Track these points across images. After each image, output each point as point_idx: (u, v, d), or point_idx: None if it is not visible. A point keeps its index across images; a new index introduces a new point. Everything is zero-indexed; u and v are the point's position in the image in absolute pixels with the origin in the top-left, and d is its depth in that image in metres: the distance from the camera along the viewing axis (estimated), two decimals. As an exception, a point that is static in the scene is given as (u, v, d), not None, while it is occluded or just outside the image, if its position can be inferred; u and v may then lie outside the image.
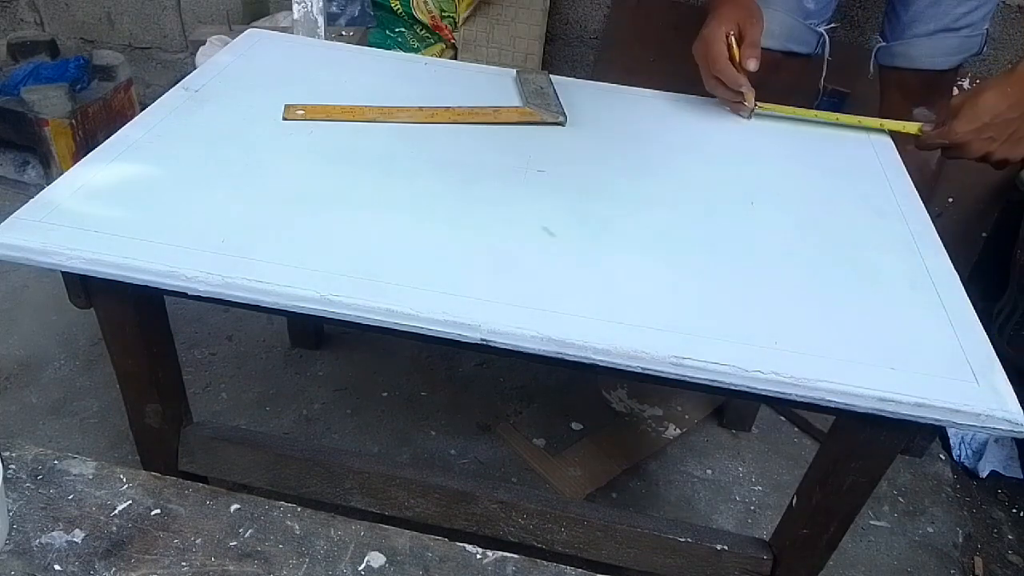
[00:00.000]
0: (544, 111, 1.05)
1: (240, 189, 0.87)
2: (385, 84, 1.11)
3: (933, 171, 1.13)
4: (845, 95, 1.82)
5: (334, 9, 1.93)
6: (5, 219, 0.78)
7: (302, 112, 1.00)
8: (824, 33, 1.37)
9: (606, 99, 1.15)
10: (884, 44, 1.34)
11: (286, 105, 1.01)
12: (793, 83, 1.26)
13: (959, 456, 1.49)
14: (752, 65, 1.05)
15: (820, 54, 1.40)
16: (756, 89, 1.09)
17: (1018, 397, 0.70)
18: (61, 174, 0.86)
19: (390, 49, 1.94)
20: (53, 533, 0.57)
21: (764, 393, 0.71)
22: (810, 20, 1.34)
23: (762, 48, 1.42)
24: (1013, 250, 1.59)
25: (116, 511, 0.59)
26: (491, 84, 1.15)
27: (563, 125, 1.06)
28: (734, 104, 1.11)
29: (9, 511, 0.57)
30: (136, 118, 0.97)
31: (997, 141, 0.98)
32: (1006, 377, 0.72)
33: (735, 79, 1.06)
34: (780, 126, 1.12)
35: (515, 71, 1.18)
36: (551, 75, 1.18)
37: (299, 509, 0.61)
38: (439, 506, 1.02)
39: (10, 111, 1.84)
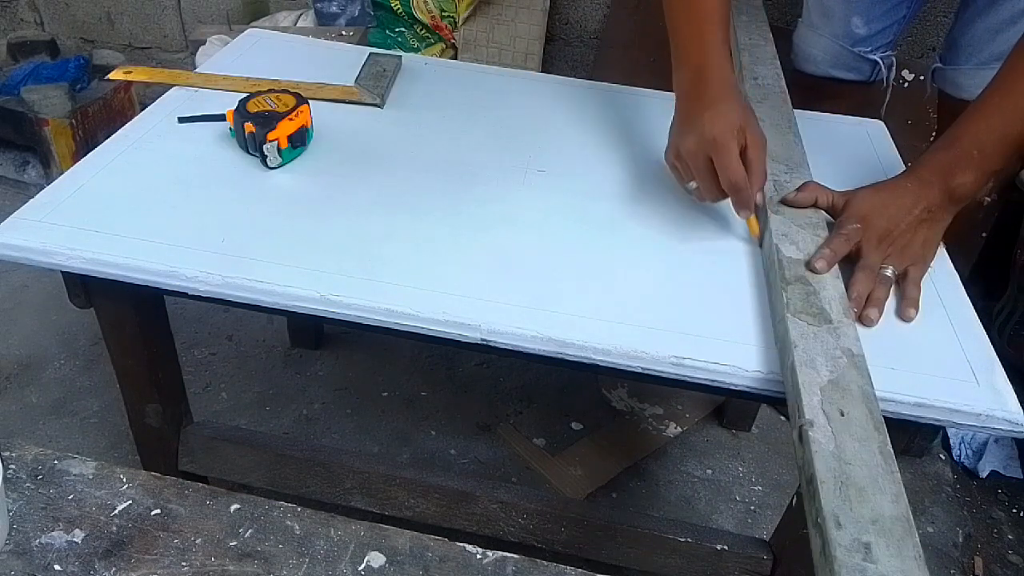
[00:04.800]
0: (365, 92, 1.06)
1: (240, 189, 0.88)
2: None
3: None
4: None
5: (334, 9, 1.93)
6: (5, 219, 0.78)
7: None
8: (880, 61, 1.32)
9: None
10: (940, 66, 1.27)
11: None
12: (848, 110, 1.19)
13: (959, 456, 1.49)
14: (760, 199, 0.83)
15: (879, 81, 1.35)
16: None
17: (1018, 397, 0.70)
18: (61, 174, 0.86)
19: (390, 49, 1.94)
20: (53, 533, 0.57)
21: (764, 393, 0.71)
22: (860, 47, 1.31)
23: (802, 72, 1.39)
24: (1013, 250, 1.59)
25: (116, 511, 0.59)
26: (349, 63, 1.14)
27: (380, 107, 1.06)
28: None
29: (9, 511, 0.57)
30: (136, 118, 0.98)
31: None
32: (1006, 377, 0.72)
33: (749, 206, 0.82)
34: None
35: (368, 52, 1.18)
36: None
37: (299, 509, 0.61)
38: (439, 506, 1.02)
39: (10, 111, 1.84)
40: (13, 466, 0.61)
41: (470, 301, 0.75)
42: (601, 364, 0.72)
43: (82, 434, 1.38)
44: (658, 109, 1.13)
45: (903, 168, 1.00)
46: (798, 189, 0.85)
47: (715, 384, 0.72)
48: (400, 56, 1.17)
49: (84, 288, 0.85)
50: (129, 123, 0.96)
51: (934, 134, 1.80)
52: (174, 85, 1.05)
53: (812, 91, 1.33)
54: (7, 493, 0.58)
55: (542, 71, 2.11)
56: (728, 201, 0.84)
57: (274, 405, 1.47)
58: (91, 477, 0.61)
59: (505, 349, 0.73)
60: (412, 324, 0.73)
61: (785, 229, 0.82)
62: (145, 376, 0.95)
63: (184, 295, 0.77)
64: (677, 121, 0.88)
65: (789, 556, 0.94)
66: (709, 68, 0.87)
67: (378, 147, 0.98)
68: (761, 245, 0.85)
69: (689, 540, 0.98)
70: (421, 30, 2.02)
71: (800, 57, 1.38)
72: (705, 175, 0.82)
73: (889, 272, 0.79)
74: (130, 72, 1.07)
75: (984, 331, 0.78)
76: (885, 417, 0.63)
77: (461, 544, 0.59)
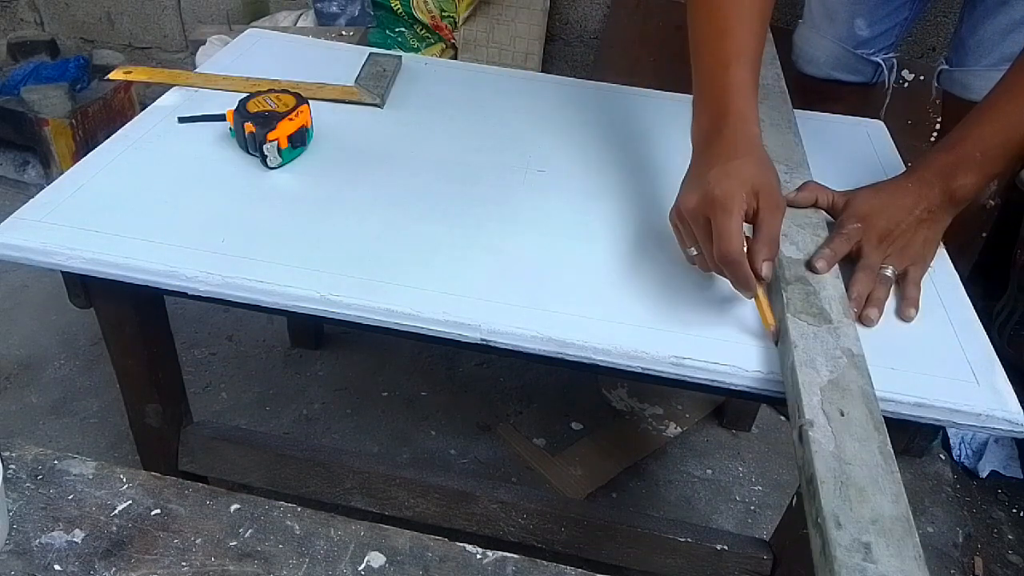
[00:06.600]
0: (365, 92, 1.06)
1: (240, 189, 0.88)
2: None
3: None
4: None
5: (334, 9, 1.93)
6: (5, 219, 0.78)
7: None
8: (883, 63, 1.32)
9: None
10: (946, 68, 1.23)
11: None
12: (848, 111, 1.19)
13: (959, 456, 1.49)
14: (766, 271, 0.70)
15: (881, 83, 1.35)
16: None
17: (1018, 397, 0.70)
18: (61, 174, 0.86)
19: (390, 49, 1.94)
20: (53, 533, 0.57)
21: (764, 393, 0.71)
22: (862, 49, 1.30)
23: (803, 74, 1.38)
24: (1013, 250, 1.59)
25: (116, 511, 0.59)
26: (349, 63, 1.14)
27: (380, 107, 1.05)
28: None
29: (9, 511, 0.57)
30: (136, 118, 0.98)
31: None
32: (1006, 377, 0.72)
33: (749, 284, 0.70)
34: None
35: (368, 52, 1.18)
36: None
37: (299, 509, 0.61)
38: (439, 506, 1.02)
39: (10, 111, 1.84)
40: (13, 466, 0.61)
41: (470, 301, 0.74)
42: (601, 364, 0.72)
43: (82, 434, 1.38)
44: (658, 109, 1.13)
45: (903, 168, 1.00)
46: (798, 189, 0.85)
47: (715, 384, 0.72)
48: (400, 56, 1.17)
49: (84, 288, 0.85)
50: (129, 123, 0.96)
51: (934, 135, 1.80)
52: (174, 85, 1.05)
53: (814, 93, 1.33)
54: (7, 493, 0.58)
55: (542, 71, 2.11)
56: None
57: (274, 405, 1.47)
58: (91, 477, 0.61)
59: (505, 349, 0.73)
60: (412, 324, 0.73)
61: (785, 229, 0.81)
62: (145, 376, 0.95)
63: (184, 295, 0.77)
64: (687, 177, 0.78)
65: (789, 556, 0.94)
66: (729, 117, 0.76)
67: (378, 147, 0.98)
68: (776, 342, 0.72)
69: (689, 540, 0.98)
70: (421, 30, 2.02)
71: (802, 58, 1.38)
72: (705, 240, 0.71)
73: (889, 272, 0.79)
74: (130, 72, 1.07)
75: (984, 331, 0.78)
76: (885, 417, 0.63)
77: (461, 544, 0.59)
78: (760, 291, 0.71)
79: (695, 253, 0.75)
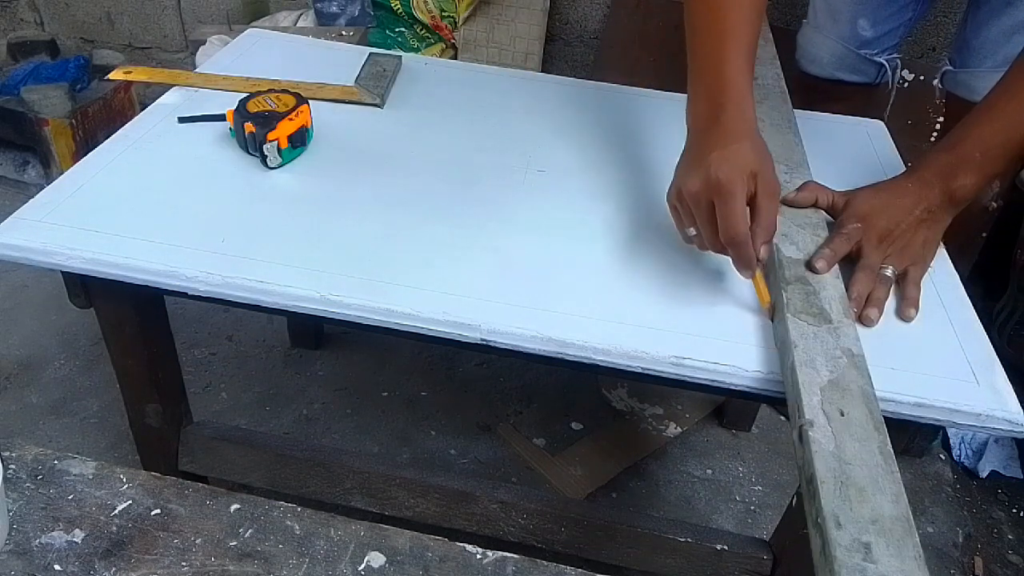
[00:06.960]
0: (365, 92, 1.06)
1: (240, 189, 0.88)
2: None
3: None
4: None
5: (334, 9, 1.93)
6: (5, 219, 0.78)
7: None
8: (886, 63, 1.32)
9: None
10: (950, 70, 1.23)
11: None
12: (851, 112, 1.18)
13: (959, 456, 1.49)
14: (764, 253, 0.73)
15: (884, 83, 1.35)
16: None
17: (1018, 397, 0.70)
18: (61, 174, 0.86)
19: (390, 49, 1.94)
20: (53, 533, 0.57)
21: (764, 393, 0.71)
22: (865, 49, 1.30)
23: (806, 74, 1.38)
24: (1013, 250, 1.59)
25: (116, 511, 0.59)
26: (349, 63, 1.14)
27: (380, 107, 1.05)
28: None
29: (9, 511, 0.57)
30: (136, 118, 0.98)
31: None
32: (1006, 377, 0.72)
33: (751, 264, 0.73)
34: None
35: (368, 52, 1.18)
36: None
37: (299, 509, 0.61)
38: (439, 506, 1.02)
39: (10, 111, 1.84)
40: (13, 466, 0.61)
41: (470, 301, 0.75)
42: (601, 364, 0.72)
43: (82, 434, 1.38)
44: (658, 109, 1.13)
45: (903, 168, 1.00)
46: (798, 189, 0.85)
47: (715, 384, 0.72)
48: (400, 56, 1.17)
49: (84, 288, 0.85)
50: (129, 123, 0.96)
51: (935, 135, 1.80)
52: (174, 85, 1.05)
53: (816, 93, 1.33)
54: (7, 493, 0.58)
55: (542, 71, 2.11)
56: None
57: (274, 405, 1.47)
58: (91, 477, 0.61)
59: (505, 349, 0.73)
60: (412, 324, 0.73)
61: (785, 229, 0.82)
62: (145, 376, 0.95)
63: (184, 295, 0.77)
64: (684, 159, 0.79)
65: (789, 556, 0.94)
66: (726, 101, 0.77)
67: (378, 147, 0.98)
68: (772, 318, 0.75)
69: (689, 540, 0.98)
70: (421, 30, 2.02)
71: (805, 59, 1.38)
72: (706, 222, 0.73)
73: (889, 272, 0.79)
74: (130, 72, 1.07)
75: (984, 331, 0.78)
76: (885, 417, 0.63)
77: (461, 544, 0.60)
78: (758, 272, 0.75)
79: (694, 233, 0.77)
